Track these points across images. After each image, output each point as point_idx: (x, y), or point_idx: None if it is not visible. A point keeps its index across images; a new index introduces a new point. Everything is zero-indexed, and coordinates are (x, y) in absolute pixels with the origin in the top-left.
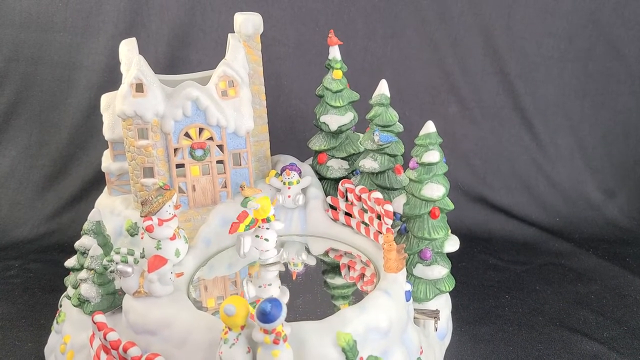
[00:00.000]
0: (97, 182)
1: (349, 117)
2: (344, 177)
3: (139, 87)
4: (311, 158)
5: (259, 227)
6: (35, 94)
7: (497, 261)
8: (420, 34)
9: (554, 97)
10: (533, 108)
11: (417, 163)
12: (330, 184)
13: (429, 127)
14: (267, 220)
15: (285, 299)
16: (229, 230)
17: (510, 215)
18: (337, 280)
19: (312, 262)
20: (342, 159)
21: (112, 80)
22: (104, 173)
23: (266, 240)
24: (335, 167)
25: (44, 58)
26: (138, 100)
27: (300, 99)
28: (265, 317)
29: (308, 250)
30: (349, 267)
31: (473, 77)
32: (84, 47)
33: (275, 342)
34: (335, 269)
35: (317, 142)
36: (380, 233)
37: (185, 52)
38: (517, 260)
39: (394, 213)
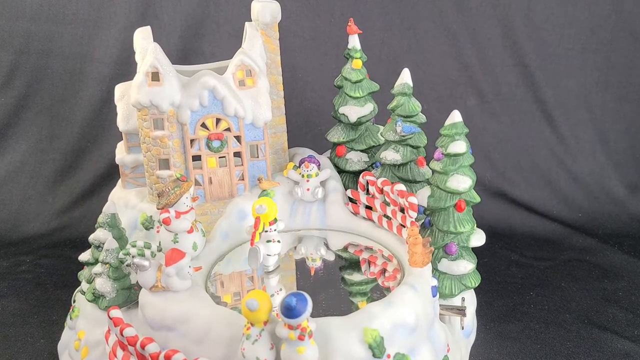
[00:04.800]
0: (109, 176)
1: (368, 108)
2: (363, 170)
3: (155, 76)
4: (329, 151)
5: (266, 231)
6: (46, 86)
7: (520, 257)
8: (437, 26)
9: (575, 89)
10: (554, 101)
11: (442, 154)
12: (349, 178)
13: (455, 116)
14: (275, 221)
15: None
16: (250, 243)
17: (532, 211)
18: (355, 277)
19: (331, 257)
20: (362, 151)
21: (124, 72)
22: (116, 167)
23: (278, 242)
24: (355, 159)
25: (54, 50)
26: (154, 89)
27: (316, 91)
28: (290, 312)
29: (327, 245)
30: (369, 263)
31: (492, 69)
32: (96, 39)
33: (301, 338)
34: (353, 264)
35: (335, 134)
36: (404, 226)
37: (198, 44)
38: (540, 256)
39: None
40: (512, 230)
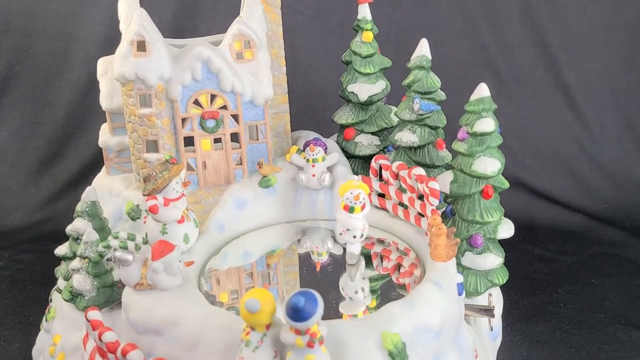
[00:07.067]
0: (96, 164)
1: (380, 85)
2: (374, 155)
3: (141, 46)
4: (336, 134)
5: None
6: (27, 68)
7: (543, 251)
8: (451, 2)
9: (598, 71)
10: (576, 83)
11: (467, 133)
12: (358, 163)
13: (482, 90)
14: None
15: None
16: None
17: (553, 202)
18: (366, 273)
19: (339, 251)
20: (372, 134)
21: (112, 52)
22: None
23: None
24: (365, 143)
25: (37, 29)
26: (140, 60)
27: (319, 73)
28: (298, 314)
29: (334, 238)
30: (382, 257)
31: (510, 49)
32: (81, 17)
33: (310, 344)
34: (364, 259)
35: (343, 115)
36: (423, 216)
37: (192, 22)
38: (565, 250)
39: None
40: (533, 222)
